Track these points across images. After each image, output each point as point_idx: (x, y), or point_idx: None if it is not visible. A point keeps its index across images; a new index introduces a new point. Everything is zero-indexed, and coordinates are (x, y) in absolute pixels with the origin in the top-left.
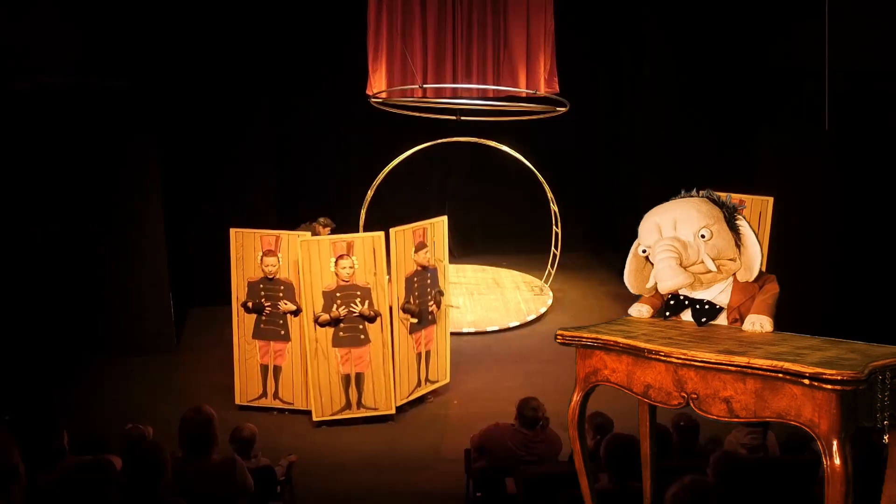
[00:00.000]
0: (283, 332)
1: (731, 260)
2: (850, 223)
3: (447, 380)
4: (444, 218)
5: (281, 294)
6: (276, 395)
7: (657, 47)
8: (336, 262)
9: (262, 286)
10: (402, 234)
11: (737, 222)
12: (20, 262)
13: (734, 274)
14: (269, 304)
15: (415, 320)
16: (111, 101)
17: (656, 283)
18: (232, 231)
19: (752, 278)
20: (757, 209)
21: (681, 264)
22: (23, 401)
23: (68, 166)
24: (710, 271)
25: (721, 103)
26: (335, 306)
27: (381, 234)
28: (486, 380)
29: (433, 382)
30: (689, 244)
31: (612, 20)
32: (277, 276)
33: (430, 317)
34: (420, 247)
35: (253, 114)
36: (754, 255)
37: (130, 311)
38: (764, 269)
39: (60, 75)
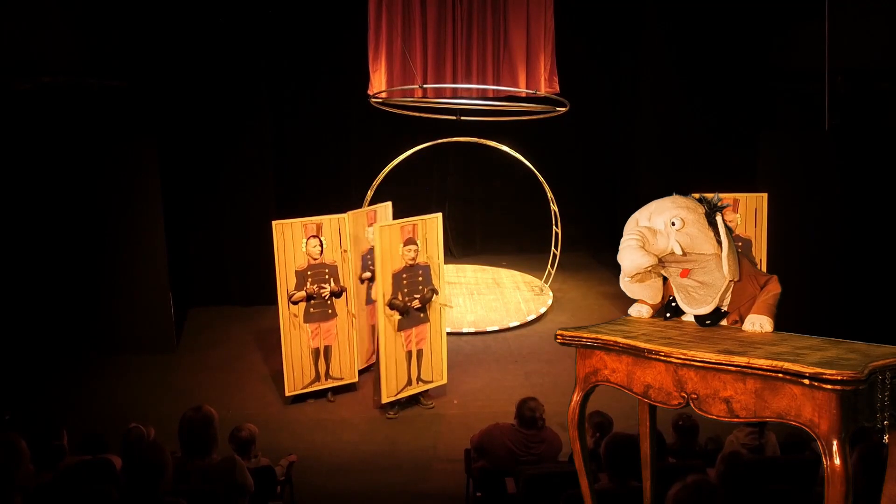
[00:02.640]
0: (330, 312)
1: (709, 254)
2: (851, 223)
3: (443, 380)
4: (439, 215)
5: (327, 276)
6: (327, 375)
7: (657, 47)
8: (307, 242)
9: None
10: (389, 230)
11: (716, 218)
12: (21, 261)
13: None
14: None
15: (398, 316)
16: (111, 102)
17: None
18: (275, 223)
19: (731, 277)
20: (752, 206)
21: (644, 247)
22: (23, 400)
23: (68, 166)
24: (679, 255)
25: (721, 103)
26: (308, 283)
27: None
28: (486, 380)
29: (427, 382)
30: (659, 232)
31: (612, 20)
32: (322, 260)
33: (422, 315)
34: (408, 242)
35: (253, 114)
36: (728, 254)
37: (130, 311)
38: (765, 268)
39: (60, 75)
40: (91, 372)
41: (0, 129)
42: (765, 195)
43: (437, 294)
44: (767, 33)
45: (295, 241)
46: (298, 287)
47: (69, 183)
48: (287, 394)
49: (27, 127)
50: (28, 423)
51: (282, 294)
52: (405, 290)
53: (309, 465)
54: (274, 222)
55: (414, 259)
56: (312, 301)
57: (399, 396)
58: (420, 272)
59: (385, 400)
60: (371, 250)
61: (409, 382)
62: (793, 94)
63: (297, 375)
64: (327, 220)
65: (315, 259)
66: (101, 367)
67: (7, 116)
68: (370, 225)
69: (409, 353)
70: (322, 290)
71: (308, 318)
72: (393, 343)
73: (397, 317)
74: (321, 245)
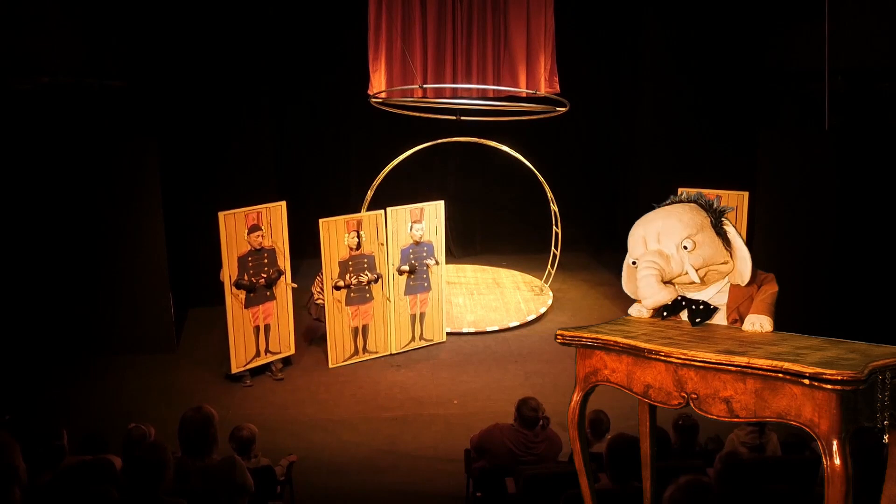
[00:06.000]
0: (368, 296)
1: (721, 264)
2: (851, 222)
3: (291, 351)
4: (283, 203)
5: (266, 261)
6: (267, 351)
7: (657, 48)
8: (347, 236)
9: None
10: (234, 218)
11: (724, 227)
12: (20, 262)
13: (730, 274)
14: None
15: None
16: (111, 101)
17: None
18: (321, 221)
19: (745, 282)
20: (733, 204)
21: (662, 279)
22: (23, 401)
23: (68, 166)
24: (693, 282)
25: (721, 103)
26: (348, 275)
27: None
28: (486, 380)
29: (275, 353)
30: (672, 256)
31: (612, 20)
32: (362, 251)
33: (268, 293)
34: (253, 229)
35: (253, 114)
36: (742, 260)
37: (130, 311)
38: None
39: (60, 75)
40: (91, 372)
41: (0, 129)
42: (746, 194)
43: (283, 275)
44: (767, 33)
45: (339, 237)
46: (341, 276)
47: (69, 183)
48: (331, 365)
49: (27, 127)
50: (28, 424)
51: (327, 283)
52: (251, 272)
53: (309, 465)
54: (320, 220)
55: (260, 244)
56: (352, 287)
57: (248, 367)
58: (265, 255)
59: (234, 370)
60: (411, 245)
61: (258, 354)
62: (793, 94)
63: (339, 351)
64: (366, 217)
65: (355, 251)
66: (101, 367)
67: (7, 116)
68: (415, 222)
69: (258, 328)
70: (360, 279)
71: (349, 301)
72: (241, 319)
73: (243, 295)
74: (359, 238)
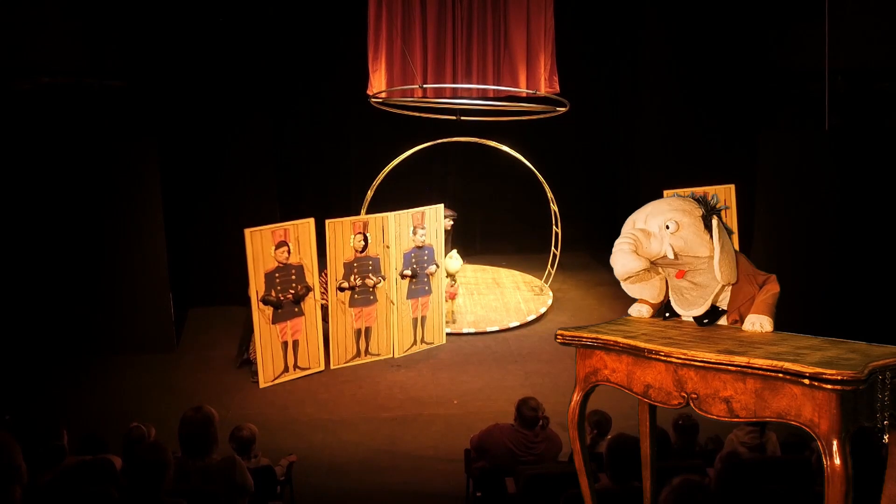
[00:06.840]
0: (371, 298)
1: (704, 257)
2: (851, 222)
3: (320, 367)
4: (311, 220)
5: (293, 278)
6: (296, 366)
7: (657, 47)
8: (353, 238)
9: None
10: (260, 235)
11: (711, 221)
12: (21, 262)
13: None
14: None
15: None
16: (111, 101)
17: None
18: (328, 222)
19: (722, 281)
20: (721, 197)
21: (636, 251)
22: (23, 401)
23: (69, 166)
24: (672, 261)
25: (721, 103)
26: (353, 276)
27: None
28: (486, 380)
29: (304, 369)
30: (654, 234)
31: (612, 20)
32: (367, 253)
33: (296, 309)
34: (280, 245)
35: (253, 114)
36: (722, 258)
37: (130, 311)
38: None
39: (60, 75)
40: (91, 372)
41: (0, 129)
42: (732, 186)
43: (311, 291)
44: (767, 33)
45: (345, 238)
46: (346, 278)
47: (69, 183)
48: (332, 366)
49: (27, 127)
50: (28, 424)
51: (332, 285)
52: (278, 288)
53: (309, 465)
54: (327, 221)
55: (286, 259)
56: (356, 289)
57: (276, 382)
58: (293, 271)
59: (263, 385)
60: (413, 249)
61: (286, 369)
62: (793, 94)
63: (341, 352)
64: (373, 219)
65: (360, 253)
66: (101, 367)
67: (7, 116)
68: (416, 226)
69: (286, 344)
70: (366, 282)
71: (353, 302)
72: (268, 334)
73: (270, 311)
74: (365, 241)
